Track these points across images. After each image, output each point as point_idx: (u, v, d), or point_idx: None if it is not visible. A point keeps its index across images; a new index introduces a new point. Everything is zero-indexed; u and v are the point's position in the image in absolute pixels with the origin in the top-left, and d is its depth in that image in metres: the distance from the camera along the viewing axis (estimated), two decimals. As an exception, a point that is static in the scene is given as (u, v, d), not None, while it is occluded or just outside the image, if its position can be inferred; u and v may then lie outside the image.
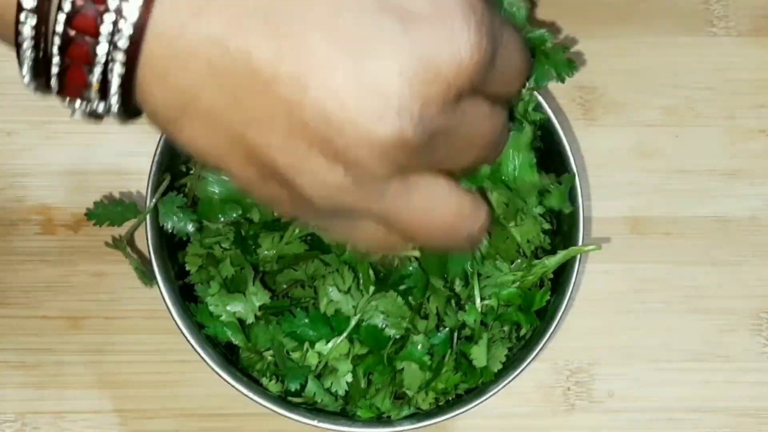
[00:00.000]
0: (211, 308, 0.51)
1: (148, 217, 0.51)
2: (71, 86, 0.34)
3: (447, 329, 0.50)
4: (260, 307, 0.51)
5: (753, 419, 0.59)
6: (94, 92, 0.34)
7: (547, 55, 0.50)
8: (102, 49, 0.33)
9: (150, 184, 0.52)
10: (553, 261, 0.50)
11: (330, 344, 0.50)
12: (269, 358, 0.51)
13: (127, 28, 0.33)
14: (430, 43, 0.34)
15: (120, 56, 0.33)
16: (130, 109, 0.35)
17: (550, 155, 0.53)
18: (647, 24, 0.62)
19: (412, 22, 0.33)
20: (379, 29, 0.33)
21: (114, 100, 0.34)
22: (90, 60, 0.33)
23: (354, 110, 0.33)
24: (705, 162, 0.61)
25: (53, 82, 0.34)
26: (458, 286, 0.51)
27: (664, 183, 0.61)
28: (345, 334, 0.50)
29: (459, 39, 0.34)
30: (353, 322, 0.50)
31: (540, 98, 0.52)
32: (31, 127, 0.60)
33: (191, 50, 0.33)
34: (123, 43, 0.33)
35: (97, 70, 0.34)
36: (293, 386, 0.51)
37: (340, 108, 0.33)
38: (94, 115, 0.36)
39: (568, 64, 0.50)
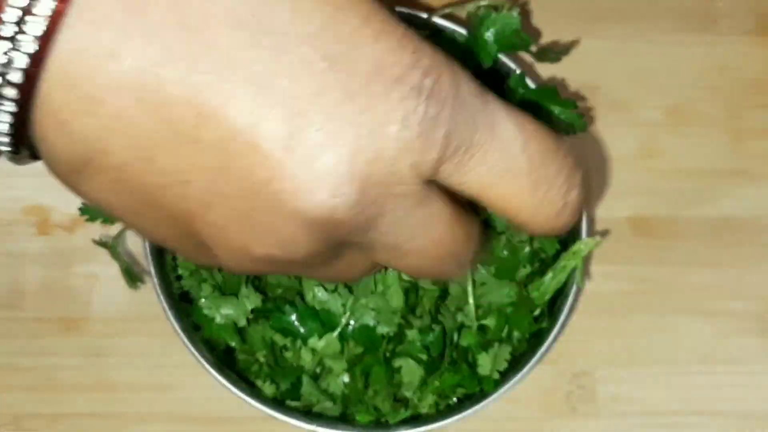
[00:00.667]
0: (205, 311, 0.50)
1: None
2: None
3: (440, 327, 0.50)
4: (252, 310, 0.50)
5: (760, 422, 0.59)
6: None
7: (557, 109, 0.50)
8: None
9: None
10: (552, 285, 0.50)
11: (323, 341, 0.49)
12: (261, 359, 0.51)
13: (20, 60, 0.28)
14: (378, 112, 0.29)
15: (11, 92, 0.28)
16: (27, 152, 0.31)
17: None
18: (650, 22, 0.61)
19: (361, 85, 0.29)
20: (319, 90, 0.29)
21: (4, 140, 0.30)
22: None
23: (286, 181, 0.29)
24: (709, 162, 0.61)
25: None
26: (452, 287, 0.50)
27: (668, 183, 0.60)
28: (337, 330, 0.49)
29: (411, 120, 0.29)
30: (344, 320, 0.49)
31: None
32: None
33: (101, 96, 0.28)
34: (16, 77, 0.28)
35: None
36: (285, 385, 0.50)
37: (272, 177, 0.29)
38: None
39: (579, 118, 0.50)
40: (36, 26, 0.27)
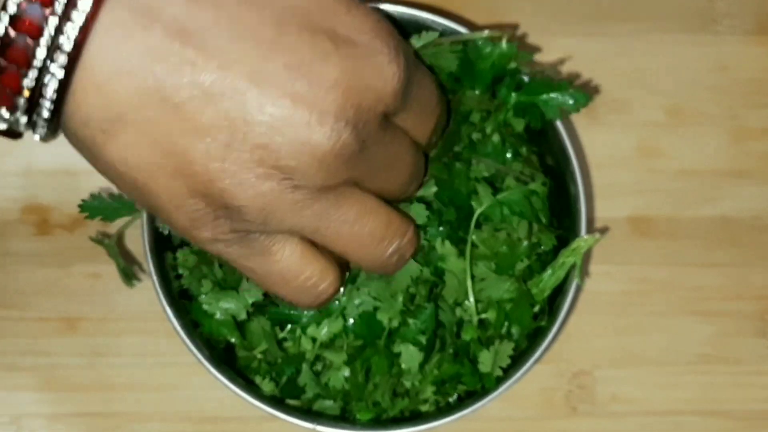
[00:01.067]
0: (205, 307, 0.50)
1: (144, 216, 0.51)
2: (4, 92, 0.34)
3: (431, 306, 0.50)
4: (253, 304, 0.50)
5: (759, 422, 0.58)
6: (24, 100, 0.34)
7: (555, 94, 0.50)
8: (41, 52, 0.33)
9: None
10: (551, 281, 0.50)
11: (322, 327, 0.49)
12: (259, 355, 0.51)
13: (72, 31, 0.33)
14: (359, 62, 0.36)
15: (61, 59, 0.33)
16: (53, 124, 0.35)
17: (552, 156, 0.53)
18: (651, 22, 0.61)
19: (343, 42, 0.36)
20: (313, 46, 0.36)
21: (47, 105, 0.34)
22: (28, 62, 0.33)
23: (294, 119, 0.35)
24: (709, 162, 0.60)
25: None
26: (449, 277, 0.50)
27: (668, 183, 0.60)
28: (336, 314, 0.49)
29: (383, 61, 0.37)
30: (342, 304, 0.49)
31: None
32: (26, 126, 0.59)
33: (137, 61, 0.33)
34: (67, 45, 0.33)
35: (33, 74, 0.33)
36: (284, 377, 0.50)
37: (281, 117, 0.35)
38: (12, 132, 0.35)
39: (580, 93, 0.51)
40: (84, 2, 0.33)
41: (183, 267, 0.51)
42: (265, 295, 0.50)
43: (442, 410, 0.51)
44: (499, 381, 0.50)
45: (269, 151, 0.35)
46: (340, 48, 0.36)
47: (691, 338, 0.59)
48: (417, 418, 0.51)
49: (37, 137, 0.36)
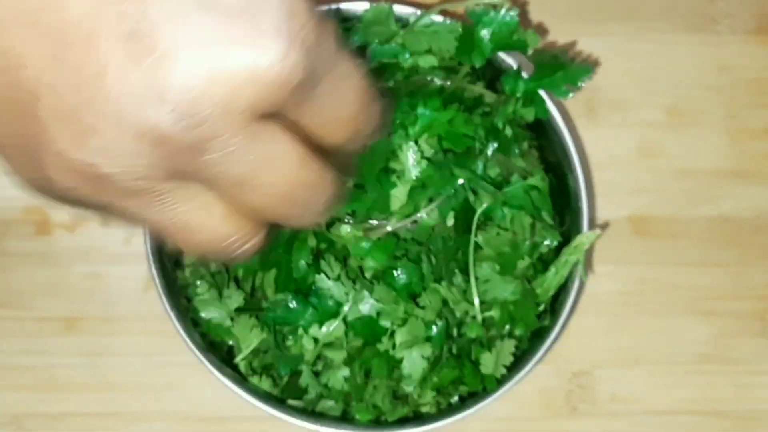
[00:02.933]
0: (202, 314, 0.51)
1: None
2: None
3: (443, 322, 0.50)
4: (236, 309, 0.51)
5: (759, 422, 0.58)
6: None
7: (560, 74, 0.50)
8: None
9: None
10: (555, 280, 0.50)
11: (325, 328, 0.49)
12: (249, 355, 0.51)
13: None
14: (228, 37, 0.28)
15: None
16: None
17: (554, 155, 0.53)
18: (651, 22, 0.61)
19: (217, 11, 0.28)
20: (175, 11, 0.28)
21: None
22: None
23: (116, 81, 0.28)
24: (709, 162, 0.60)
25: None
26: (457, 282, 0.50)
27: (668, 183, 0.60)
28: (340, 317, 0.49)
29: (263, 44, 0.29)
30: (346, 308, 0.49)
31: (545, 96, 0.51)
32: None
33: None
34: None
35: None
36: (284, 371, 0.50)
37: (103, 73, 0.28)
38: None
39: (582, 67, 0.50)
40: None
41: (187, 272, 0.52)
42: (247, 299, 0.51)
43: (443, 411, 0.51)
44: (501, 381, 0.50)
45: (79, 110, 0.29)
46: (207, 17, 0.28)
47: (691, 338, 0.59)
48: (418, 419, 0.51)
49: None
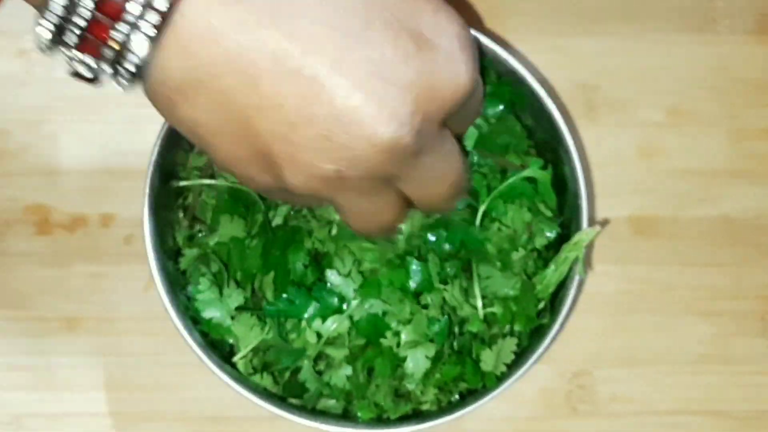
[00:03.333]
0: (202, 313, 0.51)
1: (146, 219, 0.51)
2: (91, 42, 0.36)
3: (445, 318, 0.50)
4: (237, 308, 0.51)
5: (759, 422, 0.58)
6: (111, 51, 0.36)
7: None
8: (135, 8, 0.35)
9: (148, 184, 0.51)
10: (554, 277, 0.50)
11: (329, 323, 0.50)
12: (249, 354, 0.51)
13: None
14: (436, 67, 0.38)
15: (153, 17, 0.35)
16: (135, 78, 0.37)
17: (554, 154, 0.53)
18: (651, 22, 0.61)
19: (425, 45, 0.37)
20: (395, 45, 0.37)
21: (133, 59, 0.36)
22: (120, 17, 0.35)
23: (362, 112, 0.36)
24: (709, 162, 0.60)
25: (71, 36, 0.35)
26: (458, 283, 0.51)
27: (668, 183, 0.60)
28: (346, 313, 0.50)
29: (460, 68, 0.38)
30: (354, 304, 0.50)
31: (545, 96, 0.51)
32: (26, 126, 0.59)
33: (225, 30, 0.35)
34: (161, 5, 0.34)
35: (124, 29, 0.35)
36: (285, 363, 0.50)
37: (350, 108, 0.36)
38: (91, 77, 0.37)
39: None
40: None
41: (186, 263, 0.52)
42: (252, 295, 0.51)
43: (444, 409, 0.51)
44: (501, 378, 0.50)
45: (330, 139, 0.37)
46: (421, 50, 0.37)
47: (691, 338, 0.59)
48: (418, 416, 0.51)
49: (119, 88, 0.37)
